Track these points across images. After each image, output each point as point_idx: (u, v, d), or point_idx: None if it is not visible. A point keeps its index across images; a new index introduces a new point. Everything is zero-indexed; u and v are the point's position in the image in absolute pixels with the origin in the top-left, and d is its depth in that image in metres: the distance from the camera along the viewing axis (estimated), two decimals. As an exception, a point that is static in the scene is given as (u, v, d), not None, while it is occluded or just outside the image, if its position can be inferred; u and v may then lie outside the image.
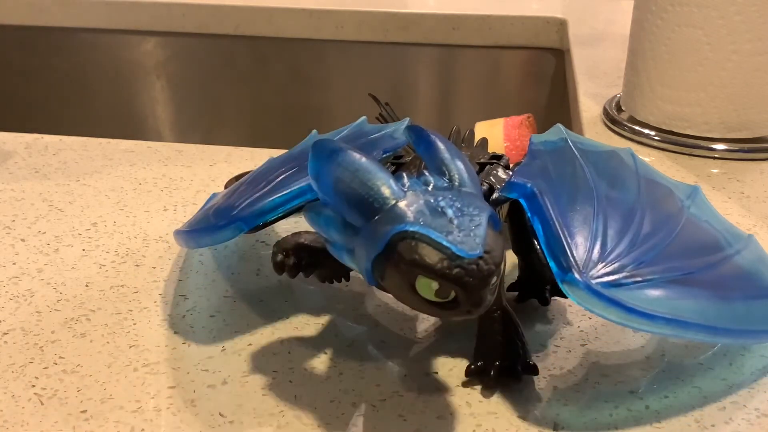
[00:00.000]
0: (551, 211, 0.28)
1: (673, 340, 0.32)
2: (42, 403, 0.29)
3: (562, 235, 0.27)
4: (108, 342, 0.32)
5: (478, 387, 0.29)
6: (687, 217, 0.32)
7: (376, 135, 0.35)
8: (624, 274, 0.27)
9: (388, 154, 0.33)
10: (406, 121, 0.36)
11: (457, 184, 0.26)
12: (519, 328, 0.30)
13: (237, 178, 0.45)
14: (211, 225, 0.32)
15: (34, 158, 0.52)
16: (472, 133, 0.39)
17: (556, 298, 0.34)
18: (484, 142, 0.38)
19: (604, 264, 0.27)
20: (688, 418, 0.28)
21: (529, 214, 0.28)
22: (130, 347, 0.32)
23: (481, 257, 0.23)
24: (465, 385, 0.30)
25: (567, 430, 0.27)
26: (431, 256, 0.23)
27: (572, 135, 0.35)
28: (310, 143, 0.27)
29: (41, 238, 0.41)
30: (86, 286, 0.36)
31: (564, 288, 0.26)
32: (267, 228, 0.39)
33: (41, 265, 0.38)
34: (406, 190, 0.25)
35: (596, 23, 0.86)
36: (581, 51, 0.75)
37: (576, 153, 0.33)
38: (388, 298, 0.35)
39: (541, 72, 0.87)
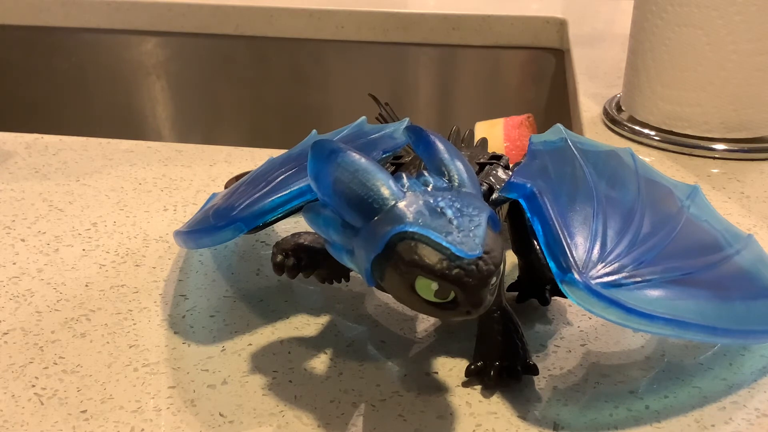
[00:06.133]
0: (551, 212, 0.28)
1: (673, 340, 0.32)
2: (42, 403, 0.29)
3: (561, 236, 0.27)
4: (108, 342, 0.32)
5: (478, 387, 0.29)
6: (687, 217, 0.32)
7: (376, 135, 0.35)
8: (624, 274, 0.27)
9: (387, 154, 0.33)
10: (405, 121, 0.36)
11: (456, 184, 0.26)
12: (519, 328, 0.30)
13: (237, 178, 0.45)
14: (210, 226, 0.32)
15: (34, 158, 0.52)
16: (471, 133, 0.39)
17: (556, 298, 0.34)
18: (483, 142, 0.38)
19: (603, 264, 0.27)
20: (688, 418, 0.28)
21: (528, 215, 0.28)
22: (130, 347, 0.32)
23: (480, 258, 0.23)
24: (465, 385, 0.30)
25: (567, 430, 0.27)
26: (431, 257, 0.23)
27: (572, 135, 0.35)
28: (310, 143, 0.27)
29: (41, 238, 0.41)
30: (86, 286, 0.36)
31: (563, 288, 0.26)
32: (267, 228, 0.40)
33: (41, 265, 0.38)
34: (405, 190, 0.25)
35: (596, 23, 0.86)
36: (581, 51, 0.75)
37: (576, 153, 0.33)
38: (388, 298, 0.35)
39: (541, 72, 0.87)
